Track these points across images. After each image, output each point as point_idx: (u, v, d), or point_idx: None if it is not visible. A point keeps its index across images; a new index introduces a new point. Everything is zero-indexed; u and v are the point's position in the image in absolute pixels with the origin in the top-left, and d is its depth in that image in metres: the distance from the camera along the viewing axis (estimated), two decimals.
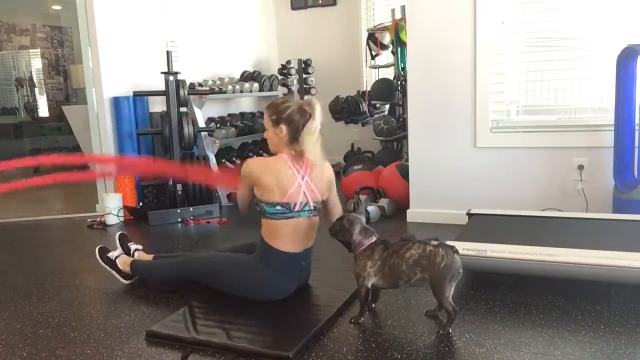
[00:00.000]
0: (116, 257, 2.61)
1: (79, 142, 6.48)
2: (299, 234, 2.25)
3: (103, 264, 2.62)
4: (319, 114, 2.23)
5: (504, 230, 2.70)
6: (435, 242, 1.97)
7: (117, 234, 2.80)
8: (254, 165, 2.26)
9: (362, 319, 2.07)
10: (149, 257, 2.68)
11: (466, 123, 3.48)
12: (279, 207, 2.19)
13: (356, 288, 2.13)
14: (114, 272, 2.60)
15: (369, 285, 2.03)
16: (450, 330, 1.95)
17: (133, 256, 2.68)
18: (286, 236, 2.22)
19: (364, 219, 2.13)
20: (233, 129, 5.11)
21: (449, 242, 2.09)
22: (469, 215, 3.04)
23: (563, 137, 3.30)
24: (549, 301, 2.20)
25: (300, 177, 2.22)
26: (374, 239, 2.07)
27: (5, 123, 8.11)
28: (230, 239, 3.39)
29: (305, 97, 2.34)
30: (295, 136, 2.21)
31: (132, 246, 2.73)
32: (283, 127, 2.21)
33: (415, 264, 1.94)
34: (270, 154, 2.35)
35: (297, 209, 2.21)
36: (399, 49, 4.93)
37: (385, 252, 2.02)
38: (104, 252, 2.65)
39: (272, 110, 2.24)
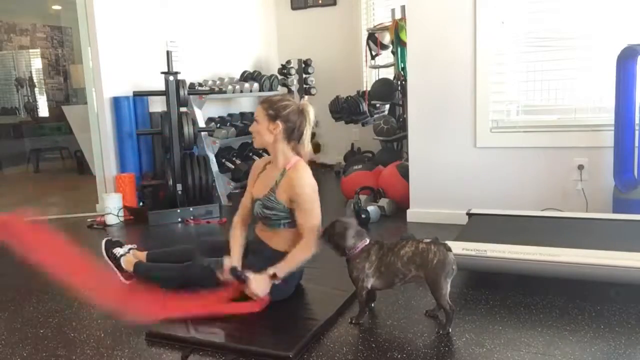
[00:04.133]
0: (121, 256, 2.59)
1: (79, 142, 6.49)
2: None
3: (107, 258, 2.59)
4: (313, 119, 2.30)
5: (504, 230, 2.70)
6: (427, 240, 1.97)
7: (104, 240, 2.68)
8: (312, 178, 2.27)
9: (362, 319, 2.07)
10: (142, 254, 2.67)
11: (466, 123, 3.48)
12: None
13: (354, 289, 2.12)
14: (115, 269, 2.58)
15: (369, 286, 2.03)
16: (450, 330, 1.95)
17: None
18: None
19: (355, 222, 2.12)
20: (233, 129, 5.11)
21: (445, 241, 2.09)
22: (469, 215, 3.04)
23: (563, 137, 3.30)
24: (549, 301, 2.21)
25: None
26: (367, 241, 2.07)
27: (5, 123, 8.11)
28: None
29: (301, 100, 2.35)
30: (290, 136, 2.25)
31: (127, 246, 2.70)
32: (279, 124, 2.21)
33: (410, 262, 1.95)
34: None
35: None
36: (399, 49, 4.93)
37: (380, 251, 2.02)
38: (110, 245, 2.61)
39: (269, 105, 2.24)
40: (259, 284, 2.15)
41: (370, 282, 2.03)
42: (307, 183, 2.22)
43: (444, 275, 1.92)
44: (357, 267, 2.03)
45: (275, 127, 2.22)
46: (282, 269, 2.16)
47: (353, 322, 2.06)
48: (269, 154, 2.38)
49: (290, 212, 2.23)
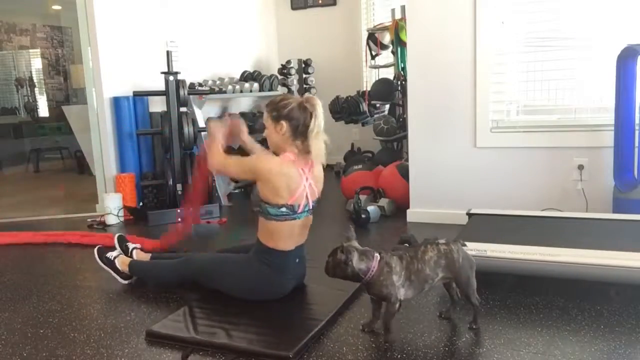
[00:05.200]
0: (115, 258, 2.61)
1: (79, 142, 6.49)
2: (294, 234, 2.26)
3: (102, 264, 2.63)
4: (321, 112, 2.22)
5: (504, 230, 2.70)
6: (442, 241, 1.97)
7: (116, 235, 2.80)
8: (273, 166, 2.18)
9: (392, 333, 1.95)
10: (146, 256, 2.69)
11: (466, 123, 3.48)
12: (284, 209, 2.19)
13: (356, 288, 2.11)
14: (112, 273, 2.60)
15: (402, 297, 1.92)
16: (477, 326, 1.97)
17: (131, 255, 2.68)
18: (284, 237, 2.23)
19: (356, 242, 1.96)
20: None
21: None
22: (469, 215, 3.04)
23: (563, 137, 3.30)
24: (549, 301, 2.21)
25: (305, 179, 2.22)
26: (378, 256, 1.92)
27: (5, 123, 8.12)
28: (230, 239, 3.39)
29: (305, 94, 2.32)
30: (296, 133, 2.21)
31: (130, 245, 2.73)
32: (284, 124, 2.20)
33: (436, 265, 1.92)
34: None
35: (299, 210, 2.22)
36: (399, 49, 4.93)
37: (402, 261, 1.91)
38: (102, 252, 2.65)
39: (272, 107, 2.23)
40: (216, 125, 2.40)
41: (402, 293, 1.92)
42: (265, 159, 2.24)
43: (472, 270, 1.94)
44: (385, 284, 1.87)
45: (281, 128, 2.20)
46: (215, 141, 2.34)
47: (384, 340, 1.92)
48: None
49: (260, 199, 2.23)
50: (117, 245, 2.73)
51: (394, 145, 5.13)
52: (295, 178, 2.19)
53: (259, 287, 2.26)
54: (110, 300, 2.46)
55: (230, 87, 5.17)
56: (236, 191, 4.88)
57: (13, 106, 8.66)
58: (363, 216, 3.59)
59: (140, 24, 4.55)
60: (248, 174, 2.28)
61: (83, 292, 2.58)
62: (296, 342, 1.87)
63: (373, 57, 5.52)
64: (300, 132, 2.20)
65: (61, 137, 7.71)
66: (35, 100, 8.76)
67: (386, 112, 5.40)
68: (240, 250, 2.46)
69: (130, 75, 4.41)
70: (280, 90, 5.83)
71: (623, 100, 2.93)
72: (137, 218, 4.05)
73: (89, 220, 4.07)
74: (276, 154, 2.27)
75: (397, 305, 1.90)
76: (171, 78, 4.12)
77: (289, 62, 5.96)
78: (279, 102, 2.24)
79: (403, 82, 4.84)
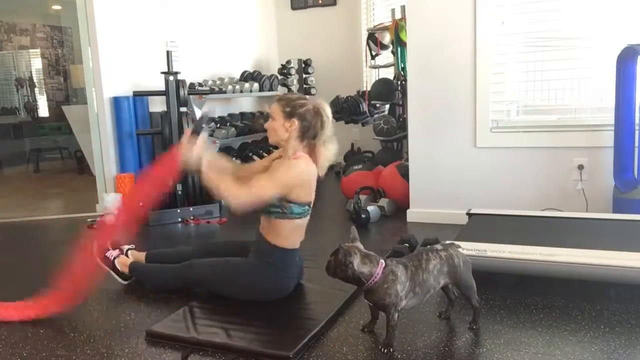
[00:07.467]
0: (114, 258, 2.61)
1: (79, 142, 6.49)
2: (304, 231, 2.34)
3: (101, 263, 2.62)
4: (331, 120, 2.30)
5: (504, 230, 2.70)
6: (440, 247, 1.97)
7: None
8: (308, 169, 2.23)
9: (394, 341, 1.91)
10: (141, 254, 2.69)
11: (466, 123, 3.48)
12: (306, 207, 2.27)
13: (356, 288, 2.11)
14: (112, 273, 2.60)
15: (400, 308, 1.87)
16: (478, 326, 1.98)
17: (127, 256, 2.68)
18: (299, 234, 2.31)
19: (360, 245, 1.90)
20: (233, 129, 5.11)
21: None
22: (469, 215, 3.04)
23: (563, 137, 3.30)
24: (549, 301, 2.21)
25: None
26: (383, 262, 1.86)
27: (5, 123, 8.11)
28: (229, 239, 3.38)
29: (317, 100, 2.30)
30: (305, 135, 2.24)
31: (125, 247, 2.72)
32: (295, 122, 2.21)
33: (439, 273, 1.91)
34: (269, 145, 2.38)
35: (311, 205, 2.32)
36: (399, 49, 4.93)
37: (408, 271, 1.86)
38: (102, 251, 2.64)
39: (286, 102, 2.24)
40: (189, 149, 2.13)
41: (402, 304, 1.85)
42: (296, 165, 2.19)
43: (470, 272, 1.95)
44: (388, 293, 1.81)
45: (291, 125, 2.22)
46: (212, 175, 2.11)
47: (384, 350, 1.86)
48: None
49: (280, 201, 2.20)
50: (111, 249, 2.71)
51: (394, 145, 5.13)
52: (316, 176, 2.29)
53: (263, 289, 2.28)
54: (110, 300, 2.46)
55: (230, 87, 5.17)
56: None
57: (13, 106, 8.65)
58: (363, 216, 3.59)
59: (140, 24, 4.55)
60: (284, 189, 2.16)
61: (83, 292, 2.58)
62: (296, 342, 1.87)
63: (373, 57, 5.52)
64: (310, 135, 2.25)
65: (61, 137, 7.71)
66: (35, 100, 8.76)
67: (386, 112, 5.40)
68: (219, 247, 2.52)
69: (130, 75, 4.41)
70: (280, 90, 5.83)
71: (623, 100, 2.93)
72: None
73: (89, 220, 4.07)
74: (275, 147, 2.31)
75: (397, 315, 1.85)
76: (171, 78, 4.11)
77: (289, 62, 5.96)
78: (295, 99, 2.26)
79: (403, 82, 4.84)
